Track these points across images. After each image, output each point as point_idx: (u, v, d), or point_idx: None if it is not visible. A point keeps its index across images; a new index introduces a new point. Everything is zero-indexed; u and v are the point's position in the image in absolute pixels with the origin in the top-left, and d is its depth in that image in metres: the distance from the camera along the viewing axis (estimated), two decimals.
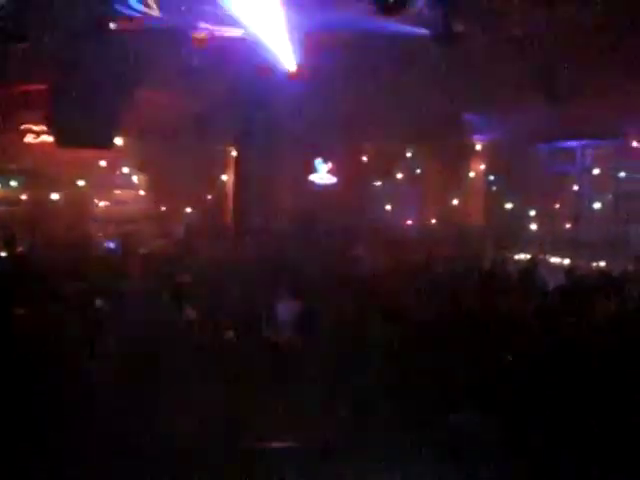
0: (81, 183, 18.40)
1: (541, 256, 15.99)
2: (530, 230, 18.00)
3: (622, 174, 16.96)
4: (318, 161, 20.23)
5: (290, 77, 14.79)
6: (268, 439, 5.68)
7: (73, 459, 5.32)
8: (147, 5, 11.98)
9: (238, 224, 19.25)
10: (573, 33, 12.78)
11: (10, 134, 17.36)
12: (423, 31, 12.58)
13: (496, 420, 5.77)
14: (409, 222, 19.90)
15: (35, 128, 17.63)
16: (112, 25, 11.81)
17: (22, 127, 17.68)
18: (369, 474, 5.27)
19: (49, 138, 16.48)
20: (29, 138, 17.80)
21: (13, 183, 17.88)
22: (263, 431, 5.78)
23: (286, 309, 9.12)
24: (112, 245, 16.24)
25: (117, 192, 19.91)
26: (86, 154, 16.93)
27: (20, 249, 14.10)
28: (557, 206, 18.09)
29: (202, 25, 13.43)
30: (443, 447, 5.51)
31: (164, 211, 19.68)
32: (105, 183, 19.41)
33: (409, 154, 20.05)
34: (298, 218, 18.82)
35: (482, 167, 19.04)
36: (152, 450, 5.45)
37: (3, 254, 13.59)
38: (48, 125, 15.95)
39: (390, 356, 7.04)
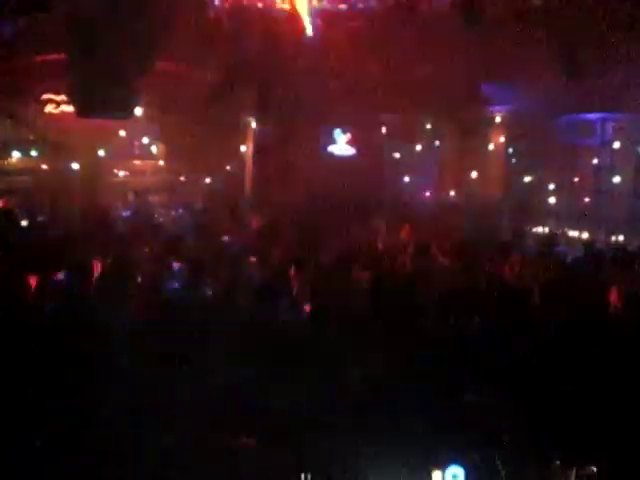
0: (101, 153, 18.48)
1: (560, 230, 15.97)
2: (549, 203, 17.88)
3: None
4: (337, 132, 20.14)
5: (308, 44, 14.80)
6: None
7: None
8: None
9: (256, 195, 19.32)
10: (594, 4, 12.65)
11: (30, 104, 17.47)
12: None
13: (511, 403, 5.78)
14: (427, 194, 19.87)
15: (56, 98, 17.70)
16: None
17: (43, 97, 17.75)
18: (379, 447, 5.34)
19: (69, 108, 16.49)
20: (49, 108, 17.87)
21: (33, 153, 17.99)
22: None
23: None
24: (129, 214, 16.36)
25: (136, 162, 19.99)
26: (106, 124, 16.94)
27: (40, 218, 14.30)
28: (576, 179, 17.97)
29: None
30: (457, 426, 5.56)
31: (183, 181, 19.76)
32: (124, 153, 19.48)
33: (428, 125, 19.95)
34: (315, 190, 18.84)
35: (502, 139, 18.90)
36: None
37: (24, 223, 13.79)
38: (68, 95, 15.99)
39: (404, 330, 7.07)
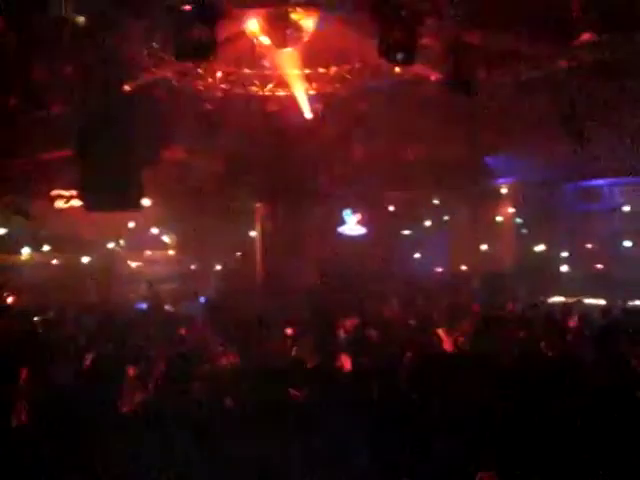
0: (111, 245, 18.66)
1: (575, 299, 15.72)
2: (562, 271, 17.71)
3: None
4: (347, 212, 20.20)
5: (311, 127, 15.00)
6: None
7: None
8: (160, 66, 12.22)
9: (267, 280, 19.30)
10: (595, 71, 12.69)
11: (40, 200, 17.67)
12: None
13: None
14: (439, 269, 19.75)
15: (65, 193, 17.90)
16: (127, 87, 12.02)
17: (52, 193, 17.97)
18: None
19: (79, 203, 16.67)
20: (59, 203, 18.07)
21: (46, 247, 18.10)
22: None
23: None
24: (143, 306, 16.32)
25: (148, 252, 20.07)
26: (116, 216, 17.08)
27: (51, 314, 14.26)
28: (588, 246, 17.80)
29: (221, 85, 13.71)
30: None
31: (194, 270, 19.79)
32: (136, 244, 19.58)
33: (436, 201, 19.99)
34: (327, 270, 18.81)
35: (510, 210, 18.86)
36: None
37: (36, 318, 13.76)
38: (76, 190, 16.17)
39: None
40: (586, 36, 11.08)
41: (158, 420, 6.40)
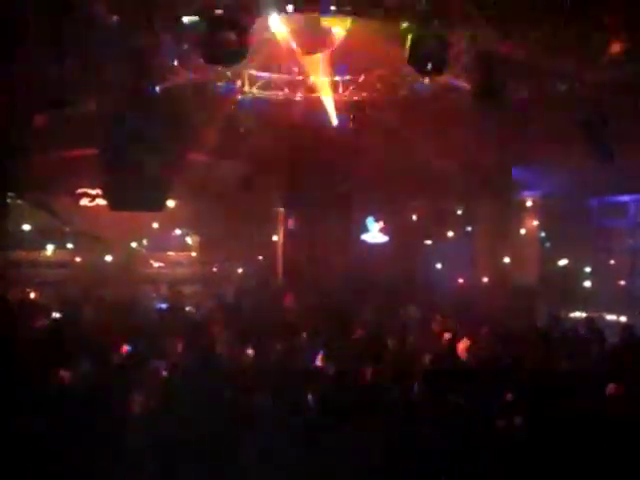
0: (134, 245, 18.78)
1: (596, 314, 15.59)
2: (585, 287, 17.57)
3: None
4: (369, 220, 20.19)
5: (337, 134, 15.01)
6: None
7: None
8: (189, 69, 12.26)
9: (288, 284, 19.31)
10: (623, 86, 12.60)
11: (66, 198, 17.82)
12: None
13: None
14: (460, 281, 19.65)
15: (90, 192, 18.05)
16: (157, 89, 12.07)
17: (78, 191, 18.12)
18: None
19: (104, 201, 16.77)
20: (84, 201, 18.23)
21: (69, 245, 18.23)
22: None
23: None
24: (163, 306, 16.39)
25: (171, 253, 20.16)
26: (140, 216, 17.19)
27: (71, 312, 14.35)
28: (612, 262, 17.65)
29: (246, 88, 13.76)
30: None
31: (216, 272, 19.87)
32: (159, 244, 19.69)
33: (459, 212, 19.92)
34: (349, 278, 18.78)
35: (534, 223, 18.73)
36: None
37: (57, 315, 13.86)
38: (101, 189, 16.28)
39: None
40: (615, 49, 10.99)
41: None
